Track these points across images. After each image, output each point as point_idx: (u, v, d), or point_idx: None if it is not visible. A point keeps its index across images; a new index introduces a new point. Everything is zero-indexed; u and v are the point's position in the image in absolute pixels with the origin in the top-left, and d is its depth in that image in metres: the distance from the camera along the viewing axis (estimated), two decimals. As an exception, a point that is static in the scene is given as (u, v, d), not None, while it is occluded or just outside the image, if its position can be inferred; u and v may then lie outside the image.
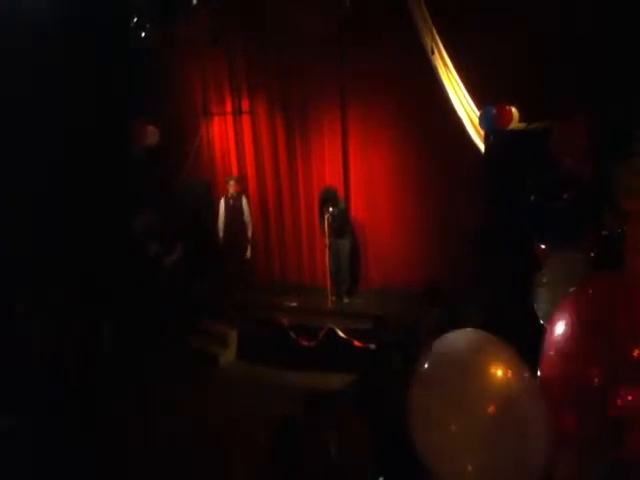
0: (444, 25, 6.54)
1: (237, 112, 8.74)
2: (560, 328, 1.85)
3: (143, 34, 7.63)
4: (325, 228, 7.64)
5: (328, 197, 7.71)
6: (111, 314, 6.91)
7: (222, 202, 8.40)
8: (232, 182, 8.33)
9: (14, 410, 5.36)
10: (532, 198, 4.09)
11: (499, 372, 1.80)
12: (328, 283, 7.81)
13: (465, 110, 6.57)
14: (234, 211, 8.38)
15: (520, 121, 6.06)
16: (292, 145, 8.57)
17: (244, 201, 8.44)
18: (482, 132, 6.43)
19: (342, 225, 7.71)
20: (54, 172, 6.53)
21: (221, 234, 8.44)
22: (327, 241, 7.74)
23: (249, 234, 8.52)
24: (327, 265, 7.83)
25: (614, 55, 5.00)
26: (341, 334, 6.94)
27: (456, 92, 6.56)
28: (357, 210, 8.26)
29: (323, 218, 7.64)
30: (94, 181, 6.91)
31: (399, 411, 1.99)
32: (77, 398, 5.87)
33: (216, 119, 8.93)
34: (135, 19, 7.51)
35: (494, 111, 6.07)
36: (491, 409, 1.73)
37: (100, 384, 6.21)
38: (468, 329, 2.05)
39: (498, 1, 6.34)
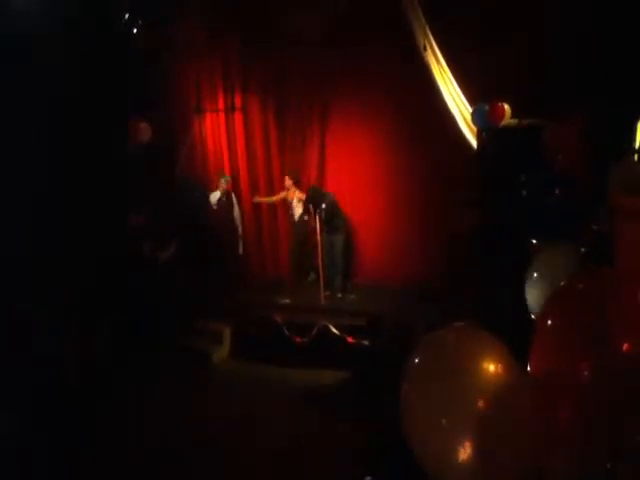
0: (437, 22, 6.56)
1: (230, 109, 8.73)
2: (550, 323, 1.85)
3: (136, 31, 7.60)
4: (317, 224, 7.67)
5: (315, 195, 7.79)
6: (109, 313, 6.89)
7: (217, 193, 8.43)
8: (224, 180, 8.37)
9: (14, 410, 5.35)
10: (524, 194, 4.11)
11: (490, 367, 1.80)
12: (321, 279, 7.82)
13: (458, 107, 6.58)
14: (224, 208, 8.40)
15: (512, 118, 6.08)
16: (284, 142, 8.59)
17: (234, 198, 8.50)
18: (475, 129, 6.44)
19: (332, 218, 7.73)
20: (51, 171, 6.51)
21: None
22: (319, 237, 7.75)
23: (239, 230, 8.60)
24: (320, 261, 7.83)
25: (608, 53, 5.01)
26: (334, 331, 6.94)
27: (449, 89, 6.57)
28: (350, 207, 8.28)
29: (315, 215, 7.68)
30: (90, 178, 6.89)
31: (394, 407, 1.99)
32: (76, 398, 5.85)
33: (208, 116, 8.92)
34: (128, 16, 7.48)
35: (487, 108, 6.08)
36: (481, 404, 1.74)
37: (98, 384, 6.20)
38: (459, 324, 2.06)
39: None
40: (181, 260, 8.02)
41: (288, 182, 8.18)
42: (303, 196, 8.05)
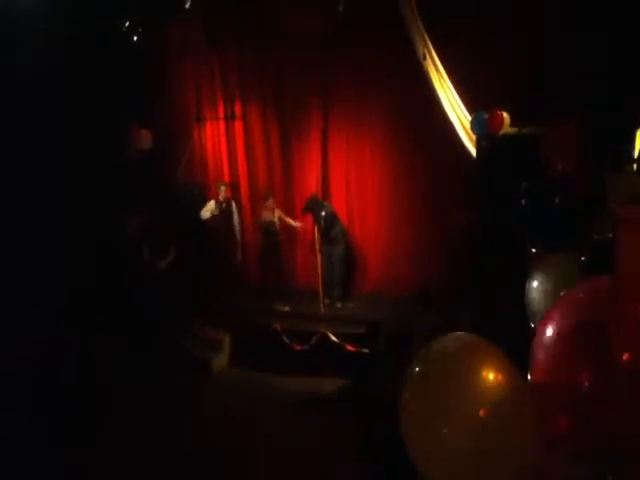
0: (436, 31, 6.58)
1: (230, 117, 8.75)
2: (550, 331, 1.86)
3: (136, 38, 7.63)
4: (316, 233, 7.69)
5: (314, 204, 7.83)
6: (104, 315, 6.88)
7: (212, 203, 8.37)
8: (223, 188, 8.35)
9: (14, 410, 5.35)
10: (524, 202, 4.12)
11: (490, 375, 1.81)
12: (320, 288, 7.82)
13: (457, 115, 6.58)
14: (224, 215, 8.39)
15: (512, 126, 6.10)
16: (284, 150, 8.60)
17: (234, 206, 8.47)
18: (474, 137, 6.46)
19: (331, 228, 7.76)
20: (50, 176, 6.52)
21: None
22: (319, 246, 7.76)
23: (238, 238, 8.57)
24: (319, 270, 7.83)
25: (607, 61, 5.03)
26: (334, 338, 6.94)
27: (448, 97, 6.58)
28: (349, 215, 8.31)
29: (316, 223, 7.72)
30: (90, 184, 6.90)
31: (393, 415, 2.00)
32: (75, 398, 5.86)
33: (209, 124, 8.93)
34: (127, 23, 7.50)
35: (486, 116, 6.10)
36: (482, 412, 1.74)
37: (98, 388, 6.21)
38: (459, 333, 2.06)
39: (490, 8, 6.37)
40: (180, 267, 8.01)
41: (273, 202, 8.16)
42: (283, 214, 8.18)
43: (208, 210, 8.24)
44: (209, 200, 8.41)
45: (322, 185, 8.37)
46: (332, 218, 7.77)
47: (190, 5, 7.49)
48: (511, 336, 2.23)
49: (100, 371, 6.42)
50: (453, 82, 6.52)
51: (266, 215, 8.16)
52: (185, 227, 8.39)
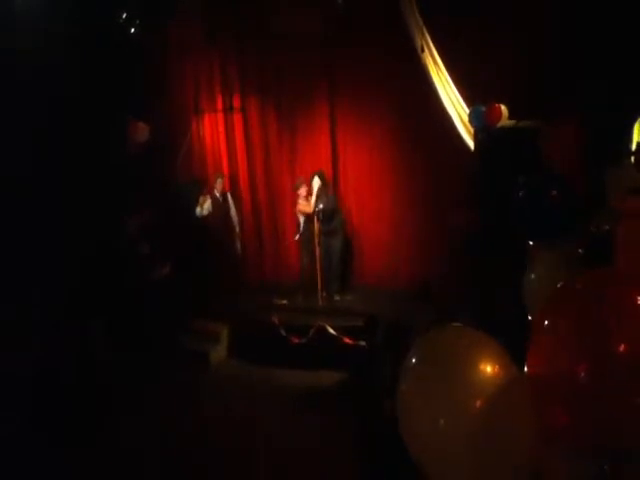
0: (434, 23, 6.56)
1: (228, 109, 8.73)
2: (547, 323, 1.84)
3: (133, 30, 7.60)
4: (315, 224, 7.65)
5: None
6: (106, 313, 6.88)
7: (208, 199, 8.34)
8: (220, 180, 8.36)
9: (13, 410, 5.35)
10: (521, 195, 4.10)
11: (487, 367, 1.80)
12: (319, 281, 7.80)
13: (455, 108, 6.58)
14: (221, 208, 8.38)
15: (510, 119, 6.08)
16: (283, 142, 8.59)
17: (230, 199, 8.48)
18: (472, 130, 6.44)
19: (331, 219, 7.73)
20: (49, 171, 6.51)
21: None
22: (317, 238, 7.73)
23: (237, 230, 8.59)
24: (318, 262, 7.81)
25: (606, 54, 5.01)
26: (332, 331, 6.93)
27: (446, 90, 6.58)
28: (348, 208, 8.30)
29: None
30: (88, 178, 6.88)
31: (392, 407, 1.99)
32: (75, 398, 5.86)
33: (207, 116, 8.90)
34: (125, 15, 7.47)
35: (484, 109, 6.09)
36: (478, 404, 1.73)
37: (97, 384, 6.21)
38: (455, 324, 2.05)
39: (490, 8, 6.34)
40: (180, 268, 7.99)
41: (305, 190, 7.89)
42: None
43: (205, 208, 8.21)
44: (204, 196, 8.36)
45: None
46: (332, 210, 7.72)
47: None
48: (510, 334, 2.21)
49: (100, 371, 6.42)
50: (451, 75, 6.52)
51: (303, 206, 7.92)
52: (185, 227, 8.37)
